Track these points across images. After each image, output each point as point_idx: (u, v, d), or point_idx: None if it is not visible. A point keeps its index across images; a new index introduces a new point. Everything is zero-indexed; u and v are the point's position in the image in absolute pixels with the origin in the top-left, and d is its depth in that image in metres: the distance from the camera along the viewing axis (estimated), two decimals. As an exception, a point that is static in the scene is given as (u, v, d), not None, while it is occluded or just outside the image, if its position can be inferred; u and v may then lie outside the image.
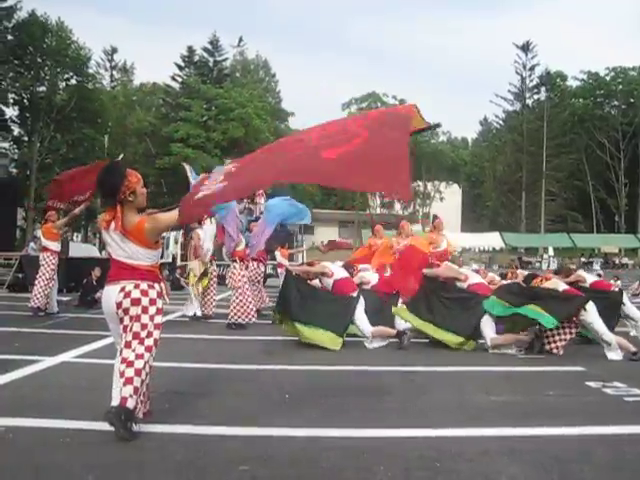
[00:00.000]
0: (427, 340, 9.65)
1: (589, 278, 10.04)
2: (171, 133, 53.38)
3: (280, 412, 5.33)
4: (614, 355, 8.55)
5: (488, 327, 9.13)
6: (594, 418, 5.34)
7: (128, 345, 4.71)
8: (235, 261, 11.27)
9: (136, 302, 4.69)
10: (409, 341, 9.04)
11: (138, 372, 4.59)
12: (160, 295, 4.85)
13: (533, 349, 8.92)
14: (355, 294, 9.39)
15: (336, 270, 9.68)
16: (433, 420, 5.13)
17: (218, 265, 14.35)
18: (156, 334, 4.82)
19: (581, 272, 10.18)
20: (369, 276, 10.79)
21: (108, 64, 66.96)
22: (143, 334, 4.73)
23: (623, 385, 6.72)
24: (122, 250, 4.75)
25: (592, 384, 6.78)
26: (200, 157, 51.55)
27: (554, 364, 8.07)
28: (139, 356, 4.67)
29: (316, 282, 9.94)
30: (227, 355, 8.24)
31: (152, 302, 4.76)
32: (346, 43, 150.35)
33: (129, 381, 4.54)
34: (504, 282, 10.53)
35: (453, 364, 7.91)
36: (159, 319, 4.85)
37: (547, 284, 9.18)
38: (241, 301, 11.08)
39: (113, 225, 4.70)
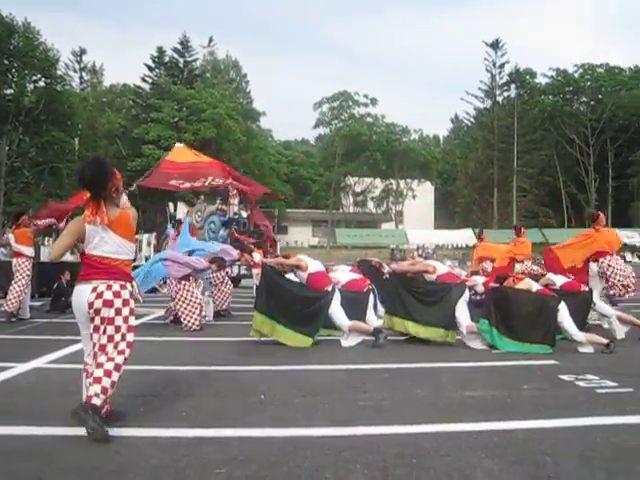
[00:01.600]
0: (402, 337, 9.71)
1: (559, 280, 10.13)
2: (142, 135, 53.06)
3: (257, 413, 5.33)
4: (586, 350, 8.71)
5: (463, 315, 9.23)
6: (567, 410, 5.41)
7: (102, 348, 4.71)
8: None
9: (108, 304, 4.69)
10: (385, 339, 9.08)
11: (108, 373, 4.60)
12: (132, 295, 4.85)
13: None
14: (330, 288, 9.41)
15: (311, 264, 9.68)
16: (409, 417, 5.16)
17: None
18: (130, 337, 4.82)
19: (550, 276, 10.27)
20: (339, 275, 10.82)
21: (77, 65, 66.48)
22: (117, 337, 4.73)
23: (595, 377, 6.82)
24: (107, 245, 4.78)
25: (565, 377, 6.87)
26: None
27: (528, 358, 8.15)
28: (110, 359, 4.68)
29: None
30: (203, 357, 8.20)
31: (125, 303, 4.77)
32: (317, 43, 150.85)
33: (97, 381, 4.57)
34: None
35: (427, 360, 7.96)
36: (132, 320, 4.88)
37: (520, 285, 9.29)
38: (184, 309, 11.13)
39: (98, 219, 4.73)
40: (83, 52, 66.14)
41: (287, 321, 9.19)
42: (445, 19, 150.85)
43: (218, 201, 23.89)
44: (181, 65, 62.69)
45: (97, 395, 4.54)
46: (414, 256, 13.59)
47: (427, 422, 4.97)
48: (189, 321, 10.91)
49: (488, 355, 8.54)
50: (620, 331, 10.06)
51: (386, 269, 11.14)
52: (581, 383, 6.61)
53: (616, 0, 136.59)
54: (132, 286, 4.90)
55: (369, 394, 6.10)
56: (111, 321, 4.70)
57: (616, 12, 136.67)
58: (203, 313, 11.28)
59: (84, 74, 67.62)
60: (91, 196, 4.82)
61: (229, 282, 13.63)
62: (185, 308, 10.99)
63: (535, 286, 9.35)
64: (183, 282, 11.17)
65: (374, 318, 10.22)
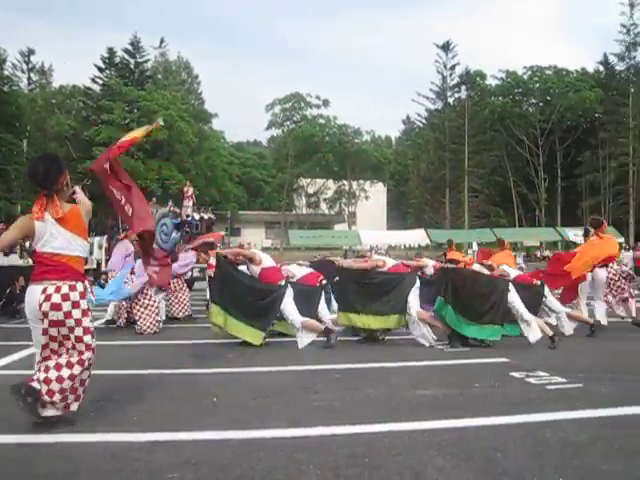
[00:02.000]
0: (355, 338, 9.74)
1: (512, 273, 10.29)
2: (92, 136, 52.26)
3: (210, 416, 5.29)
4: (533, 336, 8.93)
5: (414, 302, 9.34)
6: (518, 407, 5.48)
7: (55, 352, 4.66)
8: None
9: (56, 307, 4.62)
10: (336, 340, 9.10)
11: (60, 380, 4.54)
12: (83, 295, 4.77)
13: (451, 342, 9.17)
14: (282, 283, 9.39)
15: (265, 258, 9.66)
16: (361, 416, 5.17)
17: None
18: (87, 339, 4.74)
19: (505, 267, 10.42)
20: (293, 269, 10.83)
21: (25, 66, 65.07)
22: (68, 343, 4.66)
23: (545, 374, 6.93)
24: (57, 240, 4.72)
25: (516, 374, 6.97)
26: (123, 160, 50.67)
27: (479, 357, 8.25)
28: (69, 365, 4.63)
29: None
30: (156, 360, 8.13)
31: (75, 305, 4.70)
32: (269, 44, 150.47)
33: (47, 381, 4.56)
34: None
35: (379, 360, 7.99)
36: (87, 322, 4.80)
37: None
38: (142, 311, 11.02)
39: (47, 215, 4.68)
40: (31, 52, 64.68)
41: (239, 313, 9.21)
42: (397, 21, 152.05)
43: (170, 203, 23.67)
44: (132, 66, 61.91)
45: (39, 381, 4.58)
46: (371, 256, 13.61)
47: (379, 422, 4.98)
48: (145, 324, 10.80)
49: (440, 354, 8.61)
50: (569, 328, 10.25)
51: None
52: (532, 380, 6.71)
53: (564, 4, 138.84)
54: (84, 286, 4.81)
55: (321, 394, 6.10)
56: (61, 324, 4.63)
57: (564, 15, 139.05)
58: (158, 317, 11.17)
59: (32, 75, 66.10)
60: (43, 191, 4.76)
61: (186, 289, 13.55)
62: (142, 312, 10.88)
63: (485, 272, 9.59)
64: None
65: (326, 312, 10.24)
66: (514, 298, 9.12)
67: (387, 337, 9.85)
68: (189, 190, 26.84)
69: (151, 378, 6.89)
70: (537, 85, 72.52)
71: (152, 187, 50.54)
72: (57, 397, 4.64)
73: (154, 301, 11.07)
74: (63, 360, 4.71)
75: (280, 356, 8.40)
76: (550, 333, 8.99)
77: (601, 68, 72.86)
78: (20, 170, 47.84)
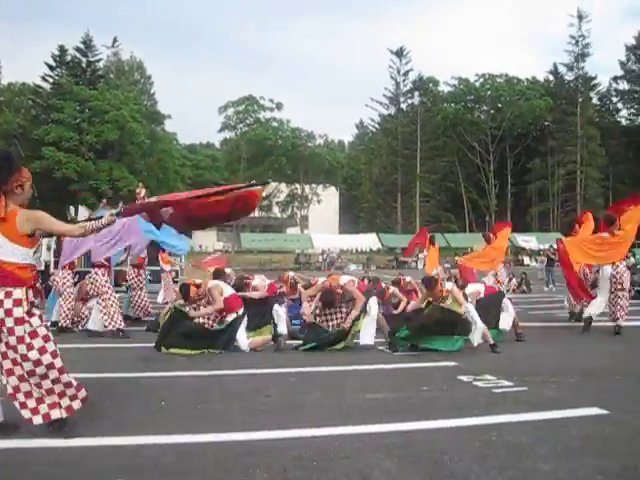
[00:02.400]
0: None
1: (481, 288, 10.52)
2: (42, 136, 51.45)
3: (157, 419, 5.26)
4: (476, 337, 9.12)
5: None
6: (465, 410, 5.55)
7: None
8: (98, 267, 10.97)
9: None
10: (285, 343, 9.15)
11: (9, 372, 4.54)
12: (18, 302, 4.56)
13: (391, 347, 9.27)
14: (241, 312, 9.36)
15: (225, 288, 9.61)
16: (310, 419, 5.19)
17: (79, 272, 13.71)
18: (36, 342, 4.59)
19: (472, 287, 10.57)
20: (258, 282, 10.97)
21: (-28, 62, 63.95)
22: (7, 350, 4.56)
23: (493, 377, 7.03)
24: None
25: (464, 378, 7.06)
26: (72, 160, 50.00)
27: (428, 360, 8.34)
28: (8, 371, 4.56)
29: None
30: (102, 364, 8.02)
31: (8, 313, 4.53)
32: (223, 46, 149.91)
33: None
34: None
35: (330, 364, 8.01)
36: (23, 329, 4.57)
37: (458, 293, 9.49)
38: (106, 307, 10.76)
39: None
40: (-21, 49, 63.71)
41: (195, 343, 9.09)
42: (351, 26, 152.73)
43: (120, 204, 23.37)
44: (84, 65, 61.06)
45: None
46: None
47: (328, 425, 5.00)
48: (111, 321, 10.63)
49: (390, 358, 8.68)
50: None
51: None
52: (479, 383, 6.80)
53: (516, 13, 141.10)
54: (25, 292, 4.62)
55: (272, 398, 6.11)
56: None
57: (516, 24, 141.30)
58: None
59: (-21, 71, 65.06)
60: None
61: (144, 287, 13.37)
62: (108, 309, 10.67)
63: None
64: (106, 279, 10.90)
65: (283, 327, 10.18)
66: (469, 307, 9.27)
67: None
68: (142, 192, 26.56)
69: (99, 382, 6.79)
70: (489, 93, 73.53)
71: (103, 188, 49.95)
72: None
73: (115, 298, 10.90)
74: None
75: (233, 360, 8.36)
76: (492, 341, 9.15)
77: (551, 77, 74.37)
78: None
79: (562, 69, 71.39)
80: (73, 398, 4.81)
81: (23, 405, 4.62)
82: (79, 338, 10.45)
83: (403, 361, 8.38)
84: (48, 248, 23.21)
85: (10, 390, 4.62)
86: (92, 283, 11.08)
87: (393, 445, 4.50)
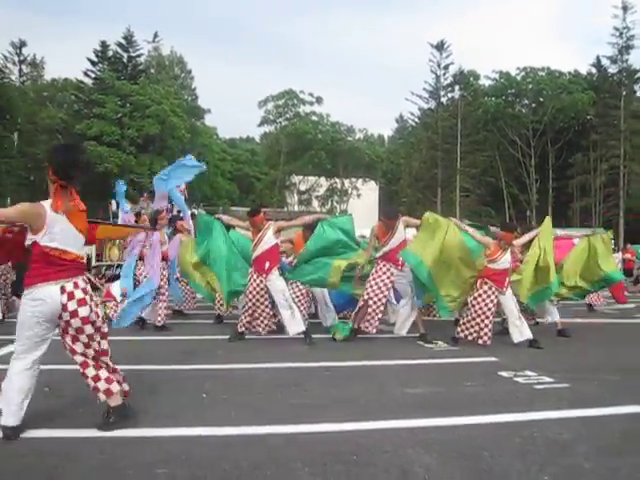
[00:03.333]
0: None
1: None
2: (84, 130, 51.95)
3: (198, 412, 5.30)
4: (516, 335, 9.19)
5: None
6: (506, 406, 5.52)
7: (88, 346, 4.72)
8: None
9: (82, 302, 4.59)
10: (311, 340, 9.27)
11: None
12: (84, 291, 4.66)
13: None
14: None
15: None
16: (350, 414, 5.20)
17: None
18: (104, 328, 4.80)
19: None
20: None
21: (16, 58, 64.59)
22: (96, 336, 4.78)
23: (533, 374, 6.97)
24: (67, 236, 4.56)
25: (504, 374, 7.01)
26: (114, 155, 50.52)
27: (468, 356, 8.28)
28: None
29: None
30: (145, 356, 8.09)
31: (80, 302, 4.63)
32: (263, 41, 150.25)
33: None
34: None
35: (369, 358, 8.00)
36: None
37: None
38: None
39: (64, 207, 4.53)
40: (23, 44, 64.18)
41: None
42: (391, 20, 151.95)
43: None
44: (125, 60, 61.53)
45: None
46: None
47: (368, 419, 5.00)
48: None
49: (429, 353, 8.64)
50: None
51: None
52: (520, 379, 6.75)
53: (559, 5, 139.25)
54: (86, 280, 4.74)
55: (310, 392, 6.12)
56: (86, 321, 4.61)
57: (558, 17, 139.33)
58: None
59: (24, 67, 65.64)
60: (66, 182, 4.54)
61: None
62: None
63: None
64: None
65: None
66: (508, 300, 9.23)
67: (378, 335, 9.80)
68: (181, 185, 26.74)
69: (141, 374, 6.87)
70: (530, 86, 72.56)
71: (144, 182, 50.41)
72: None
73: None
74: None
75: (270, 354, 8.39)
76: (531, 337, 9.09)
77: (594, 70, 73.07)
78: (10, 163, 47.62)
79: (605, 62, 70.10)
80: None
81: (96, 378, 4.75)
82: (116, 331, 10.57)
83: (442, 356, 8.34)
84: (91, 241, 23.51)
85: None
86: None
87: (433, 440, 4.49)
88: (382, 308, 9.60)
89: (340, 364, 7.61)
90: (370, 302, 9.44)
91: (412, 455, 4.16)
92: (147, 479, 3.78)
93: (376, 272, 9.57)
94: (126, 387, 4.96)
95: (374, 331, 9.48)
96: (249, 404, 5.59)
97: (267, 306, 9.48)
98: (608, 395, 6.05)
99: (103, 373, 4.71)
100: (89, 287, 4.68)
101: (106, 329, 4.80)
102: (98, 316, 4.69)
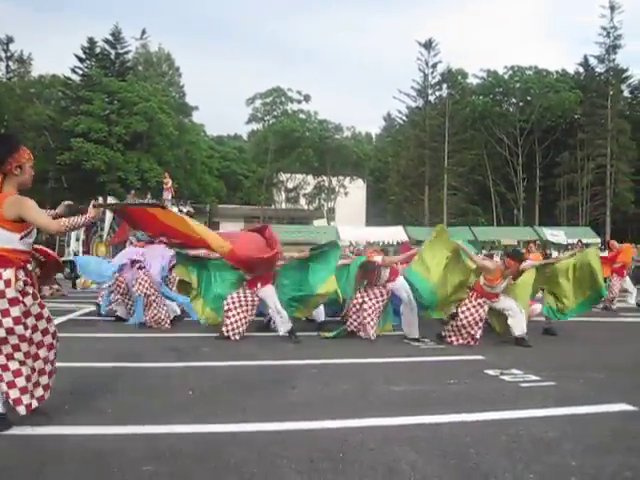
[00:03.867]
0: (329, 335, 9.74)
1: None
2: (71, 127, 51.77)
3: (184, 409, 5.29)
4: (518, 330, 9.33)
5: None
6: (492, 404, 5.54)
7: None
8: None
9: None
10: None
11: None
12: (8, 284, 4.46)
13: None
14: None
15: None
16: (336, 411, 5.20)
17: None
18: (18, 329, 4.51)
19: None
20: None
21: (3, 54, 64.27)
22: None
23: (519, 372, 7.00)
24: None
25: (491, 372, 7.04)
26: (101, 152, 50.33)
27: (454, 354, 8.32)
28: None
29: None
30: (132, 353, 8.10)
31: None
32: (251, 38, 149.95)
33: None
34: None
35: (356, 356, 8.01)
36: (18, 309, 4.51)
37: None
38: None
39: None
40: (10, 40, 63.84)
41: None
42: (379, 18, 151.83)
43: (149, 196, 23.55)
44: (112, 57, 61.30)
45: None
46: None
47: (354, 417, 5.01)
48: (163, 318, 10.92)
49: (416, 351, 8.67)
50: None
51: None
52: (506, 377, 6.78)
53: (546, 5, 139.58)
54: (13, 273, 4.50)
55: (297, 389, 6.13)
56: None
57: (546, 16, 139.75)
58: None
59: (11, 63, 65.35)
60: None
61: None
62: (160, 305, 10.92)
63: None
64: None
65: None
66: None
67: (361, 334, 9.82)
68: (168, 182, 26.71)
69: (128, 371, 6.88)
70: (517, 85, 72.78)
71: (131, 179, 50.23)
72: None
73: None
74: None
75: (257, 351, 8.41)
76: (524, 332, 9.16)
77: (581, 70, 73.43)
78: (-4, 160, 47.27)
79: (593, 61, 70.45)
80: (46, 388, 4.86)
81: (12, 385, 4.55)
82: (106, 327, 10.55)
83: (428, 354, 8.38)
84: (77, 239, 23.46)
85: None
86: (140, 283, 11.01)
87: (419, 438, 4.50)
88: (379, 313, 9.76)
89: (327, 362, 7.62)
90: (366, 306, 9.59)
91: (398, 452, 4.16)
92: (133, 476, 3.77)
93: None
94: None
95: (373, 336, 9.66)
96: (235, 401, 5.58)
97: (245, 312, 9.56)
98: (594, 393, 6.07)
99: None
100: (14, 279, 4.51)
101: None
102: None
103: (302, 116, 73.76)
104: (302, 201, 78.48)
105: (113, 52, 61.35)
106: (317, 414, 5.11)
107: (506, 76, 73.86)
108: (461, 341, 9.23)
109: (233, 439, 4.45)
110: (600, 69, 69.98)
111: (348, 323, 9.89)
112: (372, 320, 9.60)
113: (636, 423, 4.99)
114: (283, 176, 76.74)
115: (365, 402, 5.62)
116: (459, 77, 73.70)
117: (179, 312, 11.46)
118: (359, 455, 4.11)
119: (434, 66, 72.02)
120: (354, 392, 6.03)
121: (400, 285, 9.76)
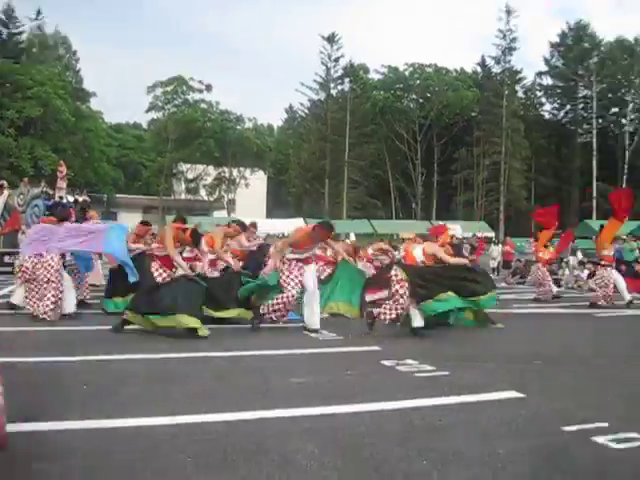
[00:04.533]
0: (226, 326, 9.67)
1: None
2: (-41, 111, 49.79)
3: (75, 404, 5.13)
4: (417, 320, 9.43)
5: None
6: (387, 394, 5.61)
7: None
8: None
9: None
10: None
11: None
12: None
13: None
14: None
15: None
16: (234, 403, 5.17)
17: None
18: None
19: None
20: None
21: None
22: None
23: (415, 362, 7.12)
24: None
25: (387, 362, 7.12)
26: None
27: (352, 345, 8.42)
28: None
29: None
30: (24, 347, 7.78)
31: None
32: (154, 26, 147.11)
33: None
34: None
35: (253, 348, 7.98)
36: None
37: None
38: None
39: None
40: None
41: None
42: (285, 10, 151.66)
43: (42, 184, 22.79)
44: (4, 36, 59.08)
45: None
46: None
47: (252, 409, 4.98)
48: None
49: (313, 342, 8.71)
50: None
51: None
52: (401, 368, 6.88)
53: (448, 5, 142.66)
54: None
55: (193, 382, 6.06)
56: None
57: (447, 16, 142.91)
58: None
59: None
60: None
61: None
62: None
63: None
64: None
65: None
66: None
67: (263, 325, 9.77)
68: (63, 170, 25.86)
69: (17, 366, 6.62)
70: (418, 82, 74.34)
71: (24, 166, 48.53)
72: None
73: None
74: None
75: (155, 344, 8.27)
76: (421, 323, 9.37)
77: (479, 69, 75.60)
78: None
79: (490, 62, 72.69)
80: None
81: None
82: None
83: (326, 345, 8.43)
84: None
85: None
86: (45, 268, 10.46)
87: (316, 429, 4.51)
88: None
89: (224, 354, 7.56)
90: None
91: (295, 444, 4.16)
92: (19, 477, 3.64)
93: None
94: None
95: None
96: (129, 396, 5.48)
97: None
98: (486, 381, 6.24)
99: None
100: None
101: None
102: None
103: (203, 106, 73.02)
104: (202, 192, 77.69)
105: (5, 31, 58.87)
106: (213, 407, 5.05)
107: (407, 73, 75.23)
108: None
109: (121, 434, 4.37)
110: (496, 69, 72.38)
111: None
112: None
113: (523, 409, 5.16)
114: (183, 166, 75.80)
115: (263, 394, 5.60)
116: (361, 72, 74.57)
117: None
118: (256, 447, 4.08)
119: (336, 60, 72.62)
120: (251, 384, 6.01)
121: (309, 274, 9.73)
